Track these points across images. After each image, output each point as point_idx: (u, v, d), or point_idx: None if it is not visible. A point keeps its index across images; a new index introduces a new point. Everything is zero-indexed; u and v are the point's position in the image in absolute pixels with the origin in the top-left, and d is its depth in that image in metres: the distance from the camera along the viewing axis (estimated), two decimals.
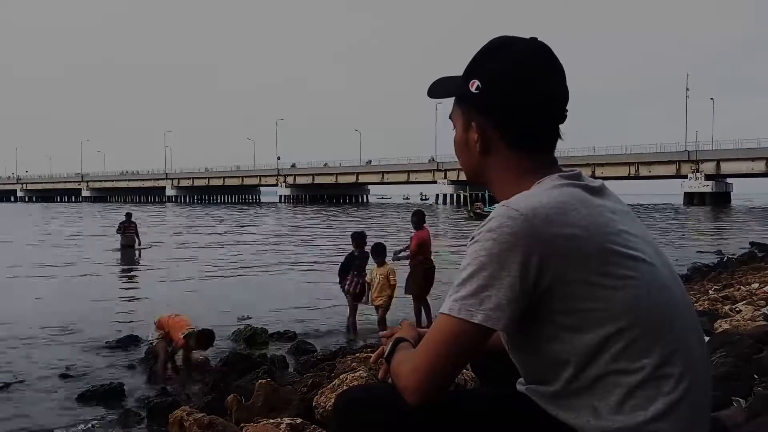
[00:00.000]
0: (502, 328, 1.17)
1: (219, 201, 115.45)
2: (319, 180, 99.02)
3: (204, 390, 5.44)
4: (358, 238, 8.39)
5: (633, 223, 1.24)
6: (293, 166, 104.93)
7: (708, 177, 68.01)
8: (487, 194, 41.04)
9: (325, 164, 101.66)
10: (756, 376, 2.88)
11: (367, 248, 8.38)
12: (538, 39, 1.29)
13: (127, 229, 18.76)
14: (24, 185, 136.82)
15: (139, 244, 18.90)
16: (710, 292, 7.87)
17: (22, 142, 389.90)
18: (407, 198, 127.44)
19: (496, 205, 1.23)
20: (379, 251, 8.18)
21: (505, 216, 1.14)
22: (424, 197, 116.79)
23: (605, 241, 1.15)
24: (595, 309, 1.13)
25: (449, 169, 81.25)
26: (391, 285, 7.94)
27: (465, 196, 52.71)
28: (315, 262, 16.05)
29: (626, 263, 1.15)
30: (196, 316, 6.94)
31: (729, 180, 73.42)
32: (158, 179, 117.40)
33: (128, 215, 19.30)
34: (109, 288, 12.30)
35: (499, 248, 1.13)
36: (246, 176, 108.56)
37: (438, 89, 1.38)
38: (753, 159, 65.89)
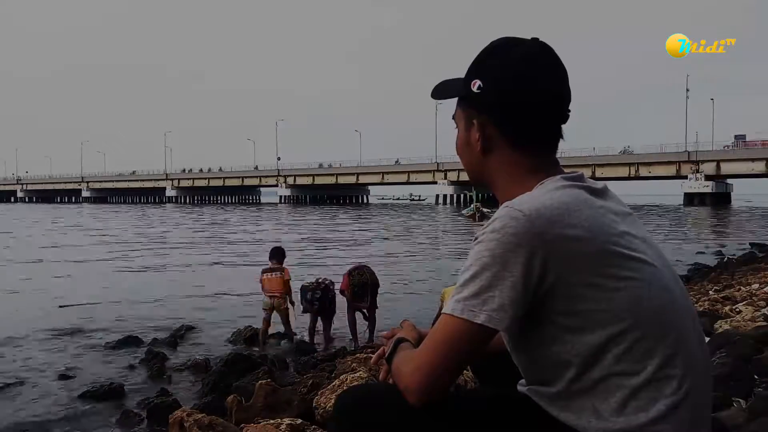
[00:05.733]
0: (505, 329, 1.18)
1: (219, 201, 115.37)
2: (319, 180, 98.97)
3: (204, 390, 5.43)
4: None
5: (634, 225, 1.24)
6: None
7: (708, 177, 67.95)
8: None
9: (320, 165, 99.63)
10: (756, 377, 2.88)
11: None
12: (539, 39, 1.29)
13: None
14: (24, 186, 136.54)
15: None
16: (710, 292, 7.86)
17: (23, 142, 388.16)
18: (398, 198, 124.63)
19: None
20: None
21: (509, 217, 1.15)
22: (414, 197, 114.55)
23: (607, 242, 1.15)
24: (597, 310, 1.14)
25: (449, 170, 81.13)
26: None
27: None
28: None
29: (628, 264, 1.16)
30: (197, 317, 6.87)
31: (729, 180, 73.39)
32: (158, 180, 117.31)
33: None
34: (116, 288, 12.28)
35: (502, 249, 1.13)
36: (246, 177, 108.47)
37: (441, 90, 1.40)
38: (753, 159, 65.83)
